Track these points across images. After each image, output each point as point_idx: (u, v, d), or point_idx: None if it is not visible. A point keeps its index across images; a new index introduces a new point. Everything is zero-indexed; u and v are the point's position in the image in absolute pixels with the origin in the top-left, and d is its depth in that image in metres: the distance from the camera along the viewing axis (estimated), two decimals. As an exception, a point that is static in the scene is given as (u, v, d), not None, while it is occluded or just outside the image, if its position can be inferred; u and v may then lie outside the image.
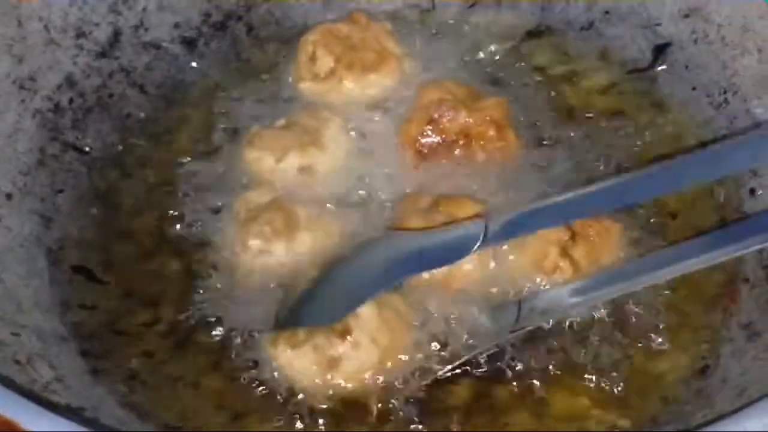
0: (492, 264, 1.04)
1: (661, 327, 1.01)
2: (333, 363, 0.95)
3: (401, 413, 0.95)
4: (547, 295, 1.02)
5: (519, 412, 0.95)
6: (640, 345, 1.00)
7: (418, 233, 1.03)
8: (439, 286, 1.02)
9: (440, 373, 0.97)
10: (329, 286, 1.03)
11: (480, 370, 0.97)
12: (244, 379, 0.97)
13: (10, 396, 0.72)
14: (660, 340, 1.00)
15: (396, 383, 0.96)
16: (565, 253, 1.02)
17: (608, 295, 1.00)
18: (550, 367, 0.98)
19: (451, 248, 1.01)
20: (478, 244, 0.98)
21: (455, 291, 1.02)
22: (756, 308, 1.01)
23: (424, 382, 0.96)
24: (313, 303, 1.02)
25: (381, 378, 0.96)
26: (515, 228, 0.99)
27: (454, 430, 0.94)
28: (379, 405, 0.95)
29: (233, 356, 0.99)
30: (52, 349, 0.95)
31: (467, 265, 1.03)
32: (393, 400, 0.95)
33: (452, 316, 1.00)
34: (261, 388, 0.96)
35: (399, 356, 0.97)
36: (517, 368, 0.97)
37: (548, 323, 1.00)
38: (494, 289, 1.03)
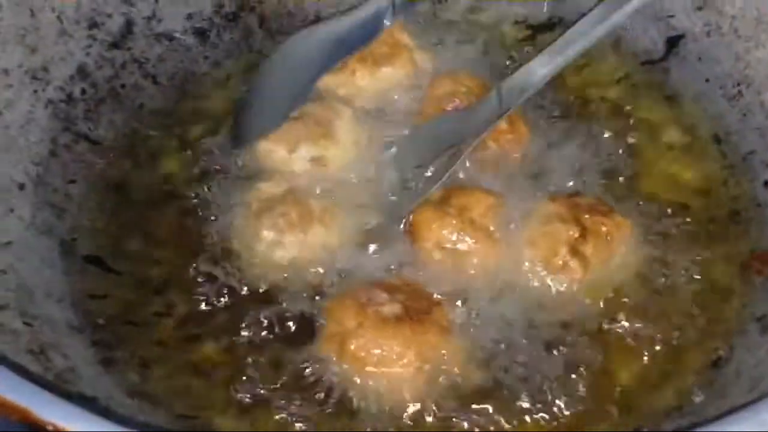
0: (502, 263, 1.04)
1: (675, 319, 1.01)
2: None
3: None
4: (519, 76, 1.10)
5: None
6: (655, 338, 1.00)
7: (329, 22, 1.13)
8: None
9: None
10: (264, 94, 1.10)
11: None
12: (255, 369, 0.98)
13: (23, 384, 0.72)
14: (675, 332, 1.00)
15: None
16: (575, 251, 1.02)
17: (574, 54, 1.07)
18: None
19: (364, 28, 1.02)
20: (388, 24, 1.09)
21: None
22: (770, 301, 1.01)
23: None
24: (255, 115, 1.10)
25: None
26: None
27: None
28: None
29: (245, 345, 0.99)
30: (64, 338, 0.95)
31: (476, 259, 1.03)
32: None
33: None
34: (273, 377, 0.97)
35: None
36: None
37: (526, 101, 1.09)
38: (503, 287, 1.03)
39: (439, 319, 0.98)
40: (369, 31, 1.10)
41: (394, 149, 1.13)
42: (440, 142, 1.10)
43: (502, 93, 1.10)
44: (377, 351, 0.95)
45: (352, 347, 0.95)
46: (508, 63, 1.26)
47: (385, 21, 1.06)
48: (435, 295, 1.01)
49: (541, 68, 1.11)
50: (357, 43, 1.10)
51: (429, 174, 1.08)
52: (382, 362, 0.95)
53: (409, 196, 1.08)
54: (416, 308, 0.98)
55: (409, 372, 0.95)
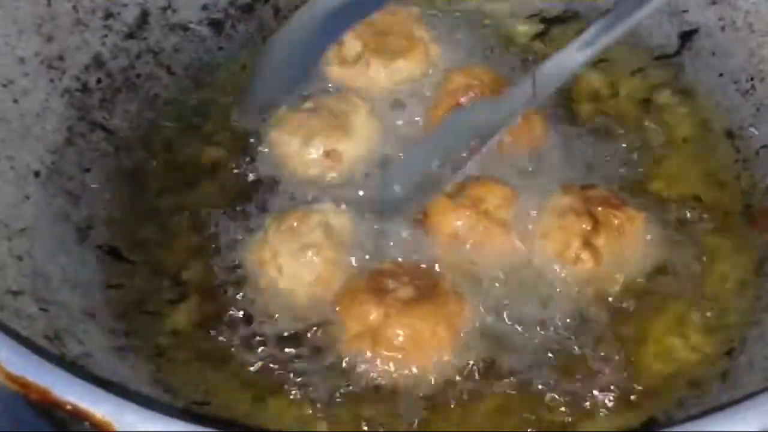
0: (515, 254, 1.04)
1: (688, 311, 1.02)
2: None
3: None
4: (556, 58, 1.10)
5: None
6: (667, 329, 1.00)
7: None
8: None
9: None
10: (277, 59, 1.13)
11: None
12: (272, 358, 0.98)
13: (42, 364, 0.72)
14: (687, 324, 1.01)
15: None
16: (587, 243, 1.02)
17: (613, 38, 1.08)
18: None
19: None
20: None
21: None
22: (783, 292, 1.01)
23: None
24: (268, 79, 1.13)
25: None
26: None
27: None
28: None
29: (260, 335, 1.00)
30: (80, 325, 0.96)
31: (490, 252, 1.03)
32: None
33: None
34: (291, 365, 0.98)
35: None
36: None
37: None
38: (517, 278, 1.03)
39: (448, 287, 0.99)
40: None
41: (417, 143, 1.13)
42: (472, 131, 1.10)
43: (536, 80, 1.10)
44: (411, 334, 0.95)
45: (387, 338, 0.95)
46: (522, 57, 1.26)
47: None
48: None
49: (577, 54, 1.11)
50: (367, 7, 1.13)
51: (453, 161, 1.08)
52: (419, 344, 0.95)
53: (430, 187, 1.07)
54: (425, 285, 0.99)
55: (446, 344, 0.96)
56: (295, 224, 1.03)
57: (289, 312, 1.01)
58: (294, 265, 1.01)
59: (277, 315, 1.01)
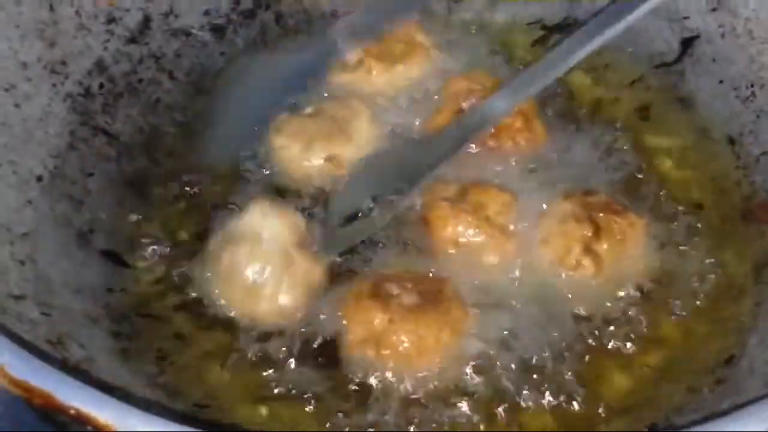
0: (516, 260, 1.04)
1: (688, 317, 1.02)
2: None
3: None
4: (478, 109, 1.13)
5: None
6: (668, 335, 1.01)
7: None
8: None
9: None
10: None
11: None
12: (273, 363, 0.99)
13: (45, 368, 0.72)
14: (688, 330, 1.01)
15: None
16: (588, 249, 1.02)
17: (535, 90, 1.12)
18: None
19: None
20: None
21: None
22: (782, 300, 1.01)
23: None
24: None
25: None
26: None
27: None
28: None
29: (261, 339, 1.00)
30: (82, 329, 0.96)
31: (491, 258, 1.04)
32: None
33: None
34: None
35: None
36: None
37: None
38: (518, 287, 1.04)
39: (451, 294, 1.00)
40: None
41: (348, 178, 1.13)
42: (400, 170, 1.11)
43: (462, 124, 1.12)
44: (415, 340, 0.95)
45: (391, 343, 0.96)
46: (522, 63, 1.26)
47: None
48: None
49: (501, 102, 1.12)
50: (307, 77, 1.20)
51: (385, 204, 1.09)
52: (423, 349, 0.96)
53: (361, 225, 1.08)
54: (428, 290, 0.99)
55: (449, 350, 0.96)
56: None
57: (288, 317, 1.01)
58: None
59: (276, 320, 1.01)
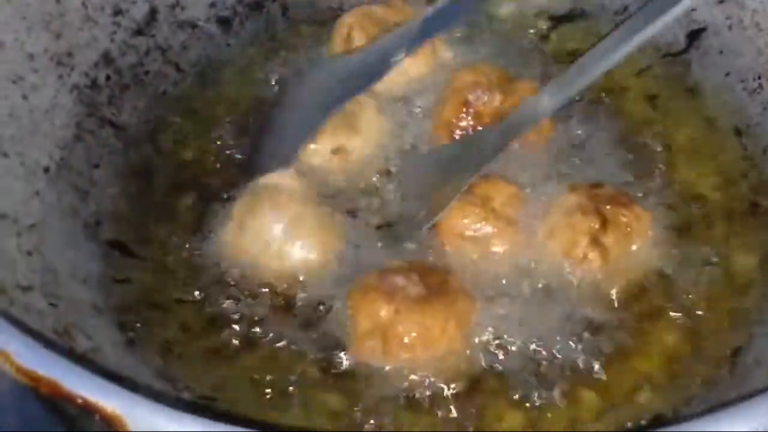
0: (523, 253, 1.04)
1: (695, 310, 1.02)
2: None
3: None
4: (526, 106, 1.11)
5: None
6: (674, 328, 1.00)
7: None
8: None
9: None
10: (279, 130, 1.14)
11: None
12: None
13: (54, 358, 0.72)
14: (694, 323, 1.01)
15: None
16: (595, 241, 1.02)
17: (582, 85, 1.10)
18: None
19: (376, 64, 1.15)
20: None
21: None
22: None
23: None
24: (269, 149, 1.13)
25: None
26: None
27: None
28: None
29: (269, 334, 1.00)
30: (88, 320, 0.96)
31: (497, 250, 1.04)
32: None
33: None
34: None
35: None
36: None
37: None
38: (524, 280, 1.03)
39: (457, 286, 1.00)
40: (376, 71, 1.16)
41: (398, 179, 1.13)
42: (446, 170, 1.10)
43: (508, 123, 1.11)
44: (422, 332, 0.95)
45: (398, 335, 0.95)
46: (529, 55, 1.27)
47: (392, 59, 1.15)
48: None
49: (548, 99, 1.11)
50: (364, 82, 1.16)
51: (431, 205, 1.08)
52: (429, 341, 0.95)
53: (411, 225, 1.08)
54: (434, 282, 0.99)
55: (456, 342, 0.96)
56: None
57: (297, 306, 1.02)
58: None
59: (283, 311, 1.02)
